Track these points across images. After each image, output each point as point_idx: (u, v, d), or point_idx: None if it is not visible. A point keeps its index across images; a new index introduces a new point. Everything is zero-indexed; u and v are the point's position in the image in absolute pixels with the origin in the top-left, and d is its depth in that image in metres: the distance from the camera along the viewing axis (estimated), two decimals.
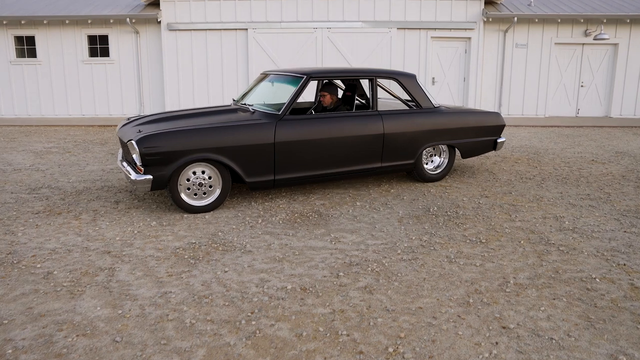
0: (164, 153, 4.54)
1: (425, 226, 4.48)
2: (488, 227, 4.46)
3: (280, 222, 4.60)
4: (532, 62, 12.29)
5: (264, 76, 5.97)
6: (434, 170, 6.08)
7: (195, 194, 4.84)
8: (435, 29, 11.86)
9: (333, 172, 5.31)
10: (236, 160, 4.81)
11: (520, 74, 12.36)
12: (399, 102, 5.96)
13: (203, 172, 4.82)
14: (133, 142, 4.55)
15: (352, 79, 5.95)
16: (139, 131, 4.80)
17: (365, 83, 6.27)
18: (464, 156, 6.22)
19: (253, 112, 5.26)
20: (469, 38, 11.99)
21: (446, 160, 6.12)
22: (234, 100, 6.05)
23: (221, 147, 4.73)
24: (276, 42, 11.79)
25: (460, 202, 5.24)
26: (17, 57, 12.04)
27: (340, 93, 6.98)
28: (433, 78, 12.30)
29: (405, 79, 5.75)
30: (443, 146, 6.07)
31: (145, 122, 5.19)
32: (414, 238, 4.18)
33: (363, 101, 6.34)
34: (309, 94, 9.95)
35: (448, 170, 6.13)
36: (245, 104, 5.58)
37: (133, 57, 12.07)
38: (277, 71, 5.79)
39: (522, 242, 4.11)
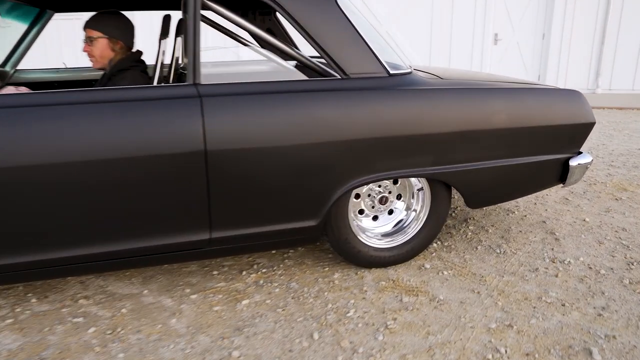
0: None
1: None
2: None
3: None
4: None
5: None
6: (384, 240, 2.22)
7: None
8: None
9: (50, 260, 1.73)
10: None
11: (634, 27, 7.62)
12: (292, 62, 2.13)
13: None
14: None
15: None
16: None
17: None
18: (472, 204, 2.29)
19: None
20: None
21: (424, 215, 2.24)
22: None
23: None
24: None
25: None
26: None
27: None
28: (496, 35, 8.00)
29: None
30: (415, 179, 2.22)
31: None
32: None
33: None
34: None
35: (428, 242, 2.26)
36: None
37: None
38: None
39: None
